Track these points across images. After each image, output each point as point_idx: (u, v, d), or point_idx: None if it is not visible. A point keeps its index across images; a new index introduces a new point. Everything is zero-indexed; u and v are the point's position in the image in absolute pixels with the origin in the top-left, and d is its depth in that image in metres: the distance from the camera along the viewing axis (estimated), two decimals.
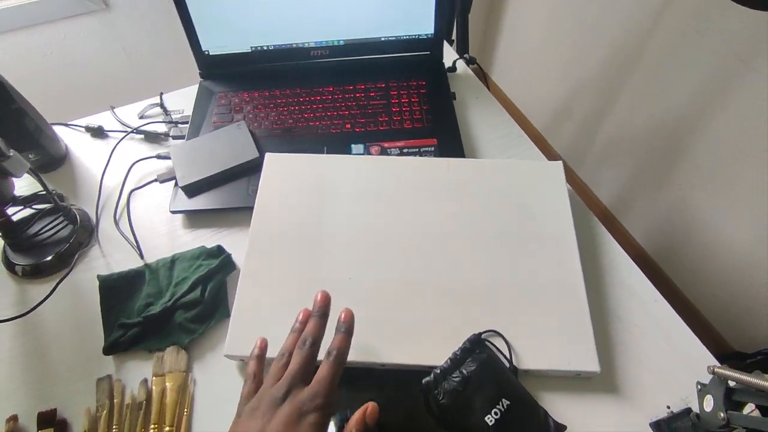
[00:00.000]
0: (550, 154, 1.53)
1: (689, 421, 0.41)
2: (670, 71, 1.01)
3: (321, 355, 0.38)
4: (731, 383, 0.37)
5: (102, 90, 1.18)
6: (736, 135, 0.92)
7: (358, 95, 0.68)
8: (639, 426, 0.44)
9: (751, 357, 0.99)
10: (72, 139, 0.68)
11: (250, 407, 0.36)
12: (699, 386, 0.41)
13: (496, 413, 0.41)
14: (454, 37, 0.96)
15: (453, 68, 0.74)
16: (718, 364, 0.38)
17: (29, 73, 1.11)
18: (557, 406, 0.45)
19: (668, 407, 0.45)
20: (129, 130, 0.67)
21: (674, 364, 0.47)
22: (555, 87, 1.42)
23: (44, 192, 0.55)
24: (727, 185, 0.97)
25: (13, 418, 0.46)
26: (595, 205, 1.39)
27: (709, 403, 0.39)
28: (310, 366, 0.37)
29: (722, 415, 0.36)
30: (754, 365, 0.97)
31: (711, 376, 0.39)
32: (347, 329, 0.39)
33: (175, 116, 0.69)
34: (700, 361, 0.47)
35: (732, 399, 0.37)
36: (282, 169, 0.57)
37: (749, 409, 0.39)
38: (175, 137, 0.66)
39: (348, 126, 0.65)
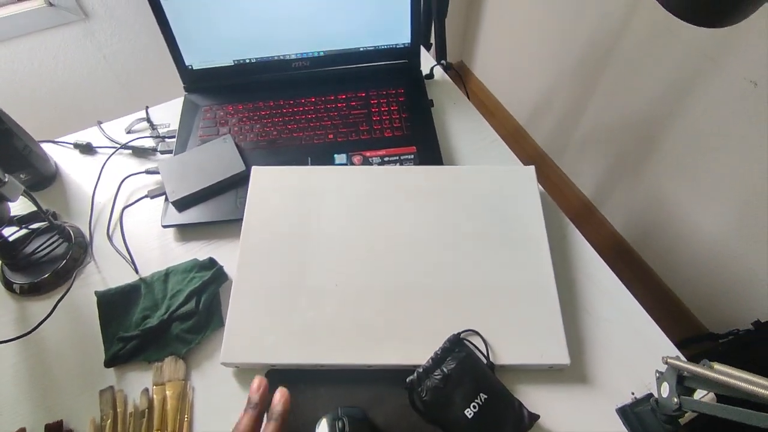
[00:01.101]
0: (532, 147, 1.57)
1: (650, 405, 0.45)
2: (644, 67, 1.04)
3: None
4: (683, 372, 0.41)
5: (86, 102, 1.18)
6: (705, 128, 0.96)
7: (339, 105, 0.70)
8: (606, 412, 0.48)
9: (723, 337, 1.05)
10: (61, 156, 0.70)
11: None
12: (657, 374, 0.45)
13: (474, 407, 0.45)
14: (432, 39, 0.99)
15: (430, 75, 0.76)
16: (673, 355, 0.42)
17: (9, 88, 1.11)
18: (531, 397, 0.49)
19: (633, 393, 0.49)
20: (117, 146, 0.69)
21: (638, 353, 0.51)
22: (536, 81, 1.45)
23: (38, 211, 0.57)
24: (698, 176, 1.02)
25: (22, 431, 0.48)
26: (575, 195, 1.43)
27: (665, 390, 0.43)
28: None
29: (675, 400, 0.40)
30: (726, 345, 1.03)
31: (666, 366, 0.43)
32: (281, 413, 0.37)
33: (161, 130, 0.71)
34: (662, 349, 0.51)
35: (684, 385, 0.41)
36: (268, 182, 0.60)
37: (701, 394, 0.43)
38: (162, 152, 0.68)
39: (330, 136, 0.67)
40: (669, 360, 0.41)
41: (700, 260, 1.10)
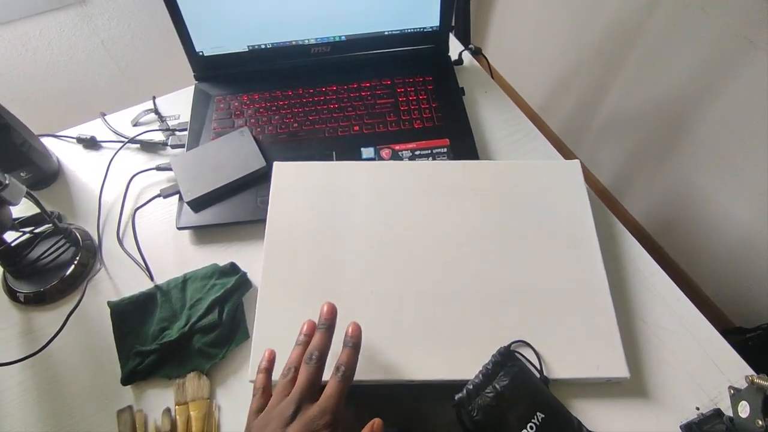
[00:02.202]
0: (547, 134, 1.51)
1: (722, 424, 0.42)
2: (672, 48, 0.99)
3: (327, 368, 0.38)
4: None
5: (84, 92, 1.11)
6: (739, 113, 0.91)
7: (363, 94, 0.65)
8: (670, 429, 0.44)
9: (751, 332, 1.02)
10: (63, 151, 0.65)
11: (259, 424, 0.36)
12: (732, 391, 0.41)
13: (531, 427, 0.41)
14: (452, 23, 0.93)
15: (459, 61, 0.71)
16: (755, 374, 0.38)
17: (2, 78, 1.04)
18: (588, 413, 0.45)
19: (697, 408, 0.45)
20: (124, 140, 0.63)
21: (700, 363, 0.48)
22: (551, 64, 1.39)
23: (41, 213, 0.52)
24: (729, 162, 0.97)
25: None
26: (593, 184, 1.39)
27: (744, 410, 0.39)
28: (317, 381, 0.37)
29: (761, 423, 0.37)
30: (755, 339, 1.00)
31: (745, 383, 0.39)
32: (354, 344, 0.40)
33: (171, 123, 0.66)
34: (726, 360, 0.48)
35: None
36: (292, 179, 0.55)
37: None
38: (174, 146, 0.63)
39: (356, 128, 0.62)
40: (756, 380, 0.37)
41: (728, 252, 1.06)
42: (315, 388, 0.37)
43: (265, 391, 0.39)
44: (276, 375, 0.43)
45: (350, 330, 0.40)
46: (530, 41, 1.45)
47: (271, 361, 0.42)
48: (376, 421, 0.37)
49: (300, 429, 0.34)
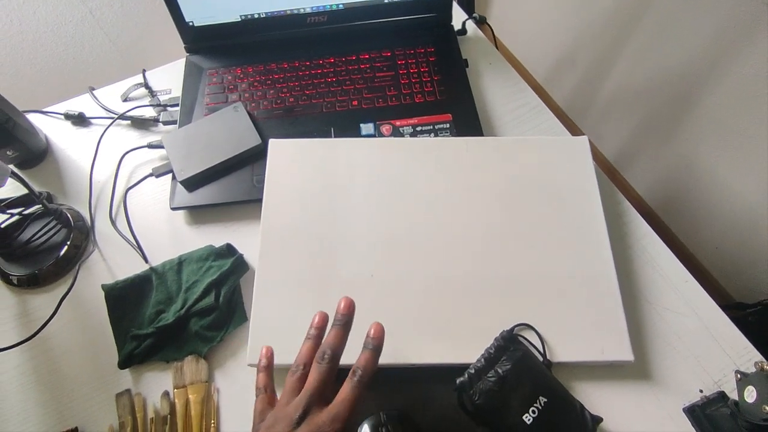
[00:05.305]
0: (551, 107, 1.48)
1: (726, 408, 0.41)
2: (684, 17, 0.95)
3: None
4: None
5: (74, 65, 1.07)
6: (753, 85, 0.88)
7: (362, 66, 0.62)
8: (672, 412, 0.44)
9: (752, 307, 1.01)
10: (51, 128, 0.62)
11: (266, 424, 0.34)
12: (739, 376, 0.40)
13: (533, 411, 0.41)
14: None
15: (463, 31, 0.68)
16: (764, 360, 0.37)
17: None
18: (591, 396, 0.45)
19: (701, 391, 0.45)
20: (114, 116, 0.61)
21: (705, 345, 0.47)
22: (557, 36, 1.34)
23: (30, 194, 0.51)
24: (737, 137, 0.95)
25: None
26: (597, 158, 1.36)
27: (751, 395, 0.38)
28: (329, 382, 0.35)
29: (767, 408, 0.36)
30: (755, 315, 0.99)
31: (753, 367, 0.38)
32: (375, 347, 0.36)
33: (162, 98, 0.63)
34: (731, 341, 0.47)
35: None
36: (289, 157, 0.53)
37: None
38: (165, 122, 0.61)
39: (355, 102, 0.60)
40: (766, 367, 0.36)
41: (731, 227, 1.05)
42: (326, 389, 0.35)
43: (267, 389, 0.38)
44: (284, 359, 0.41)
45: (372, 331, 0.37)
46: (536, 10, 1.40)
47: (270, 357, 0.40)
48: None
49: None
